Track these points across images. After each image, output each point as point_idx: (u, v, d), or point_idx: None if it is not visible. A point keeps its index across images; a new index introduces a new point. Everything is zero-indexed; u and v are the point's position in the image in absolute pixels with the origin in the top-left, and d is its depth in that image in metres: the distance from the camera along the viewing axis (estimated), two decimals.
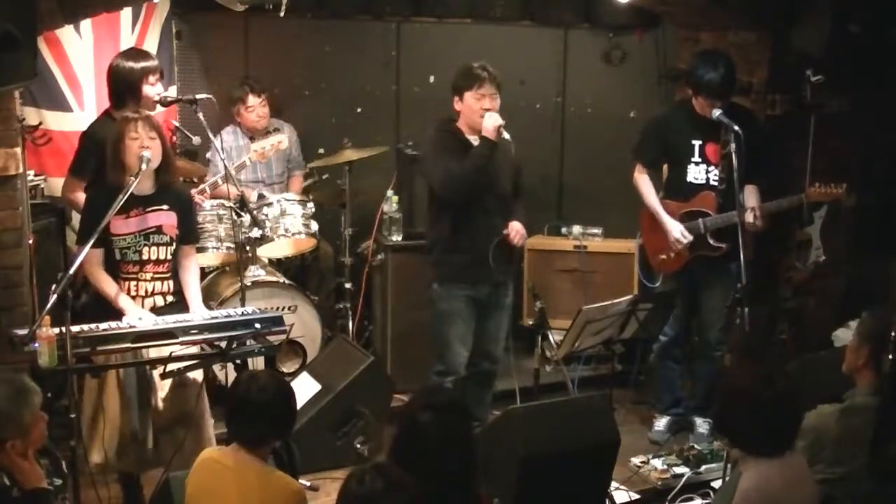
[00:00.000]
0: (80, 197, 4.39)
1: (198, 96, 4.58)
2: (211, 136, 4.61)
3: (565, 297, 5.87)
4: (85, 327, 3.77)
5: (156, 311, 4.04)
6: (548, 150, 6.46)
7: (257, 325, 3.99)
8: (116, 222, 3.95)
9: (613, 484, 4.32)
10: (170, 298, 4.14)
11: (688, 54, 5.55)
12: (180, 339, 3.87)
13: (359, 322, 5.73)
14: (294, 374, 5.05)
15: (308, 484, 4.06)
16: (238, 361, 4.15)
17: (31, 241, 4.34)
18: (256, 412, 3.15)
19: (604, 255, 5.98)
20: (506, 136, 4.47)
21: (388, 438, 2.80)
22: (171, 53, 5.61)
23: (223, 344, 3.95)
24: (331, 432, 4.71)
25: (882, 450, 3.31)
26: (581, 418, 4.03)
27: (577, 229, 6.07)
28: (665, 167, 5.11)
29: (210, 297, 4.94)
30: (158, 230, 4.07)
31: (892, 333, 3.43)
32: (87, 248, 3.77)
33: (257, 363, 4.28)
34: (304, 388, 4.79)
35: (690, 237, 4.87)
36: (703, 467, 4.66)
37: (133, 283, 4.06)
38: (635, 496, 4.51)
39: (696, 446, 4.83)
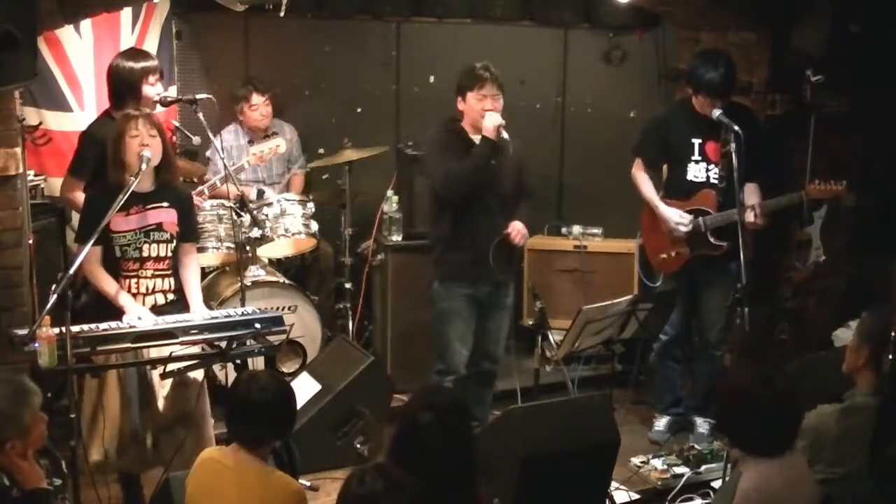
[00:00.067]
0: (79, 196, 4.39)
1: (198, 96, 4.58)
2: (211, 136, 4.62)
3: (565, 297, 5.87)
4: (85, 327, 3.77)
5: (157, 309, 4.04)
6: (548, 150, 6.46)
7: (257, 325, 4.00)
8: (116, 219, 3.95)
9: (613, 484, 4.32)
10: (170, 296, 4.14)
11: (688, 54, 5.55)
12: (180, 339, 3.87)
13: (359, 322, 5.73)
14: (294, 374, 5.06)
15: (308, 484, 4.06)
16: (238, 361, 4.15)
17: (31, 241, 4.35)
18: (256, 412, 3.16)
19: (604, 255, 5.98)
20: (504, 135, 4.48)
21: (388, 438, 2.80)
22: (171, 53, 5.61)
23: (223, 344, 3.95)
24: (331, 432, 4.72)
25: (882, 450, 3.31)
26: (581, 418, 4.03)
27: (577, 229, 6.07)
28: (665, 167, 5.12)
29: (210, 297, 4.94)
30: (159, 227, 4.07)
31: (892, 333, 3.43)
32: (87, 248, 3.78)
33: (257, 363, 4.28)
34: (304, 388, 4.79)
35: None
36: (703, 467, 4.67)
37: (134, 280, 4.06)
38: (635, 496, 4.51)
39: (696, 446, 4.83)
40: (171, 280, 4.14)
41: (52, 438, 3.32)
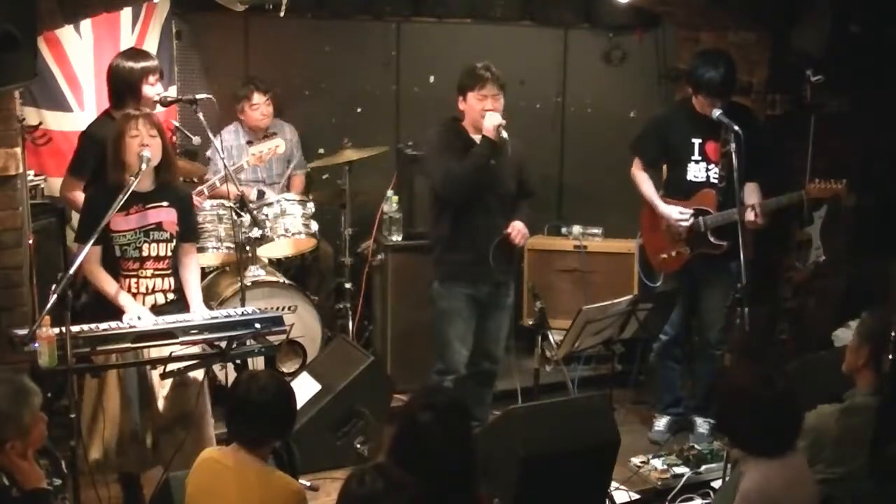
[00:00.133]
0: (79, 196, 4.39)
1: (198, 96, 4.59)
2: (211, 136, 4.62)
3: (565, 297, 5.87)
4: (85, 327, 3.77)
5: (157, 308, 4.04)
6: (548, 150, 6.45)
7: (257, 325, 4.00)
8: (116, 219, 3.95)
9: (613, 484, 4.32)
10: (170, 296, 4.14)
11: (688, 54, 5.55)
12: (180, 339, 3.87)
13: (359, 322, 5.73)
14: (294, 374, 5.05)
15: (308, 484, 4.06)
16: (238, 361, 4.15)
17: (31, 241, 4.35)
18: (256, 412, 3.16)
19: (604, 255, 5.98)
20: (504, 135, 4.48)
21: (388, 438, 2.80)
22: (171, 53, 5.61)
23: (223, 344, 3.95)
24: (331, 432, 4.71)
25: (882, 450, 3.31)
26: (581, 418, 4.03)
27: (577, 229, 6.07)
28: (665, 167, 5.11)
29: (210, 297, 4.94)
30: (159, 227, 4.07)
31: (892, 333, 3.43)
32: (87, 247, 3.78)
33: (257, 363, 4.28)
34: (304, 388, 4.79)
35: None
36: (703, 467, 4.67)
37: (133, 279, 4.06)
38: (635, 496, 4.51)
39: (696, 446, 4.83)
40: (171, 280, 4.14)
41: (52, 438, 3.32)
